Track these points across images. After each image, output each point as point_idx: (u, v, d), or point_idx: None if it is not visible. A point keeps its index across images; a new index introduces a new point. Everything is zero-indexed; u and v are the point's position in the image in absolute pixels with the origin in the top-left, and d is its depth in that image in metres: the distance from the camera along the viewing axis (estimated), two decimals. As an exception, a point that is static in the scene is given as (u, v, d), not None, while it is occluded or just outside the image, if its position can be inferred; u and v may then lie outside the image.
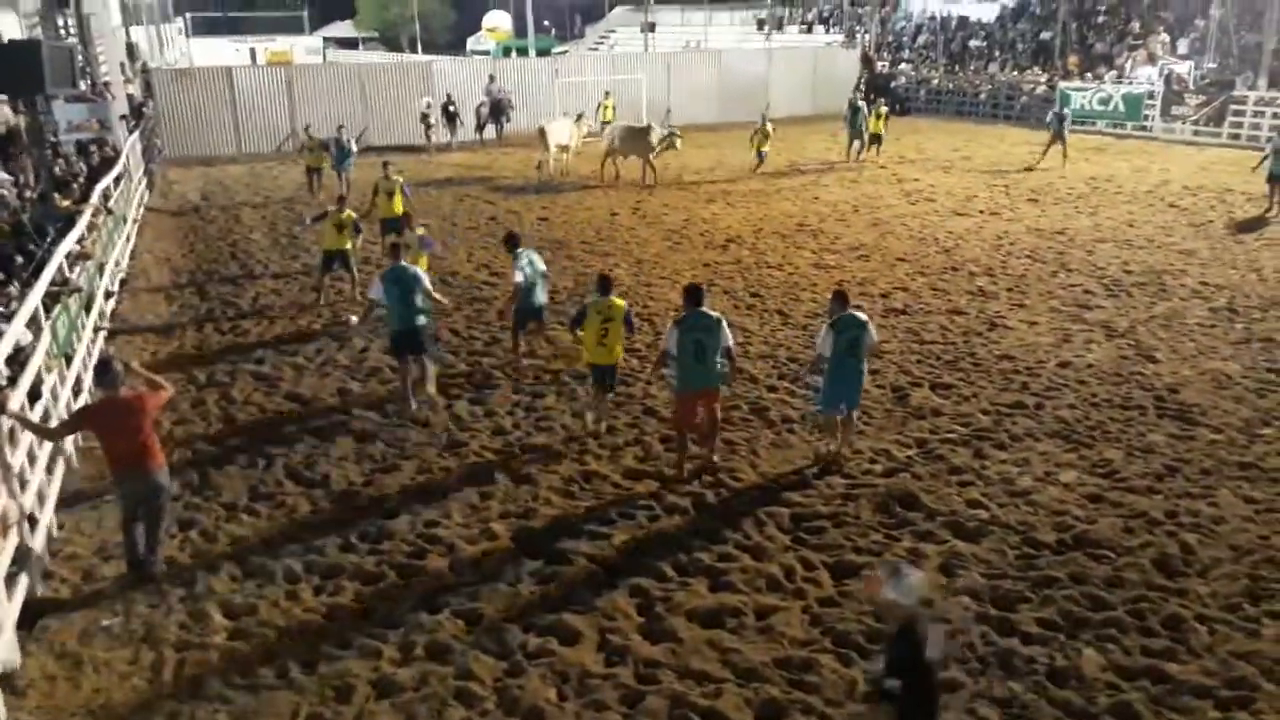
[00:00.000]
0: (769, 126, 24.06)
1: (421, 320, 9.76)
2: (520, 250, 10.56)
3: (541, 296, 10.68)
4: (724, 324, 8.14)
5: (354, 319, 12.01)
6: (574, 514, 7.77)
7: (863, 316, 8.34)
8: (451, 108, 28.37)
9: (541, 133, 23.31)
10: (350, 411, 9.84)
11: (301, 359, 11.35)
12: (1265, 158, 18.29)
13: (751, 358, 11.24)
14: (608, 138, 22.86)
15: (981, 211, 18.92)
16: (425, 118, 25.95)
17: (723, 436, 9.04)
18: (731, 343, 8.22)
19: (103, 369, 6.91)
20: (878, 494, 8.00)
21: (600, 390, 9.23)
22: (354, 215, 13.62)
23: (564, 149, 23.94)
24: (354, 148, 21.04)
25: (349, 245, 13.45)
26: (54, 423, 7.74)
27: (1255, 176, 19.12)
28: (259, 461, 8.78)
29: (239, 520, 7.75)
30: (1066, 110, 25.82)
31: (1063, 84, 32.23)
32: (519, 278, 10.33)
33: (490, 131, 29.46)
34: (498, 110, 29.17)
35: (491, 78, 30.33)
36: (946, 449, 8.80)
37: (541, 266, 10.71)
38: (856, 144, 24.62)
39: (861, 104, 25.44)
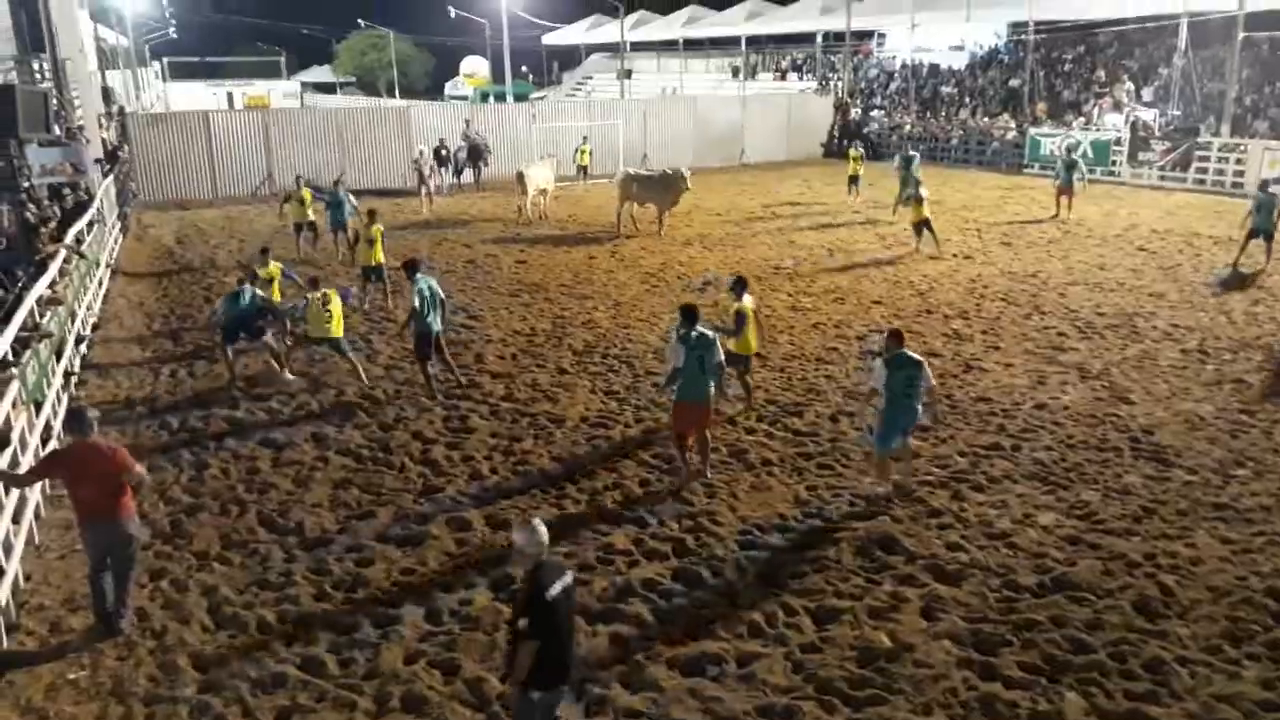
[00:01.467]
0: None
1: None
2: (419, 275, 11.20)
3: (438, 324, 11.21)
4: (718, 342, 8.87)
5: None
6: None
7: (918, 357, 8.50)
8: (444, 152, 28.53)
9: (520, 177, 23.48)
10: (325, 457, 9.73)
11: (275, 403, 11.24)
12: (1249, 213, 17.37)
13: (730, 399, 11.24)
14: (622, 186, 21.84)
15: (955, 255, 19.15)
16: (417, 165, 25.50)
17: (701, 480, 9.03)
18: (721, 358, 8.90)
19: (75, 416, 6.77)
20: (857, 537, 7.97)
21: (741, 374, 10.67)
22: (381, 229, 15.21)
23: (542, 193, 24.10)
24: (352, 200, 18.64)
25: (381, 259, 15.13)
26: (22, 470, 7.59)
27: (1223, 220, 19.51)
28: (231, 509, 8.64)
29: (210, 569, 7.60)
30: (1077, 158, 24.35)
31: (1032, 130, 32.88)
32: (416, 302, 10.96)
33: (468, 176, 29.59)
34: (475, 155, 29.34)
35: (468, 122, 30.57)
36: (925, 491, 8.81)
37: (440, 293, 11.34)
38: (906, 195, 21.58)
39: (914, 154, 24.94)
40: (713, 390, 8.91)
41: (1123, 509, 8.44)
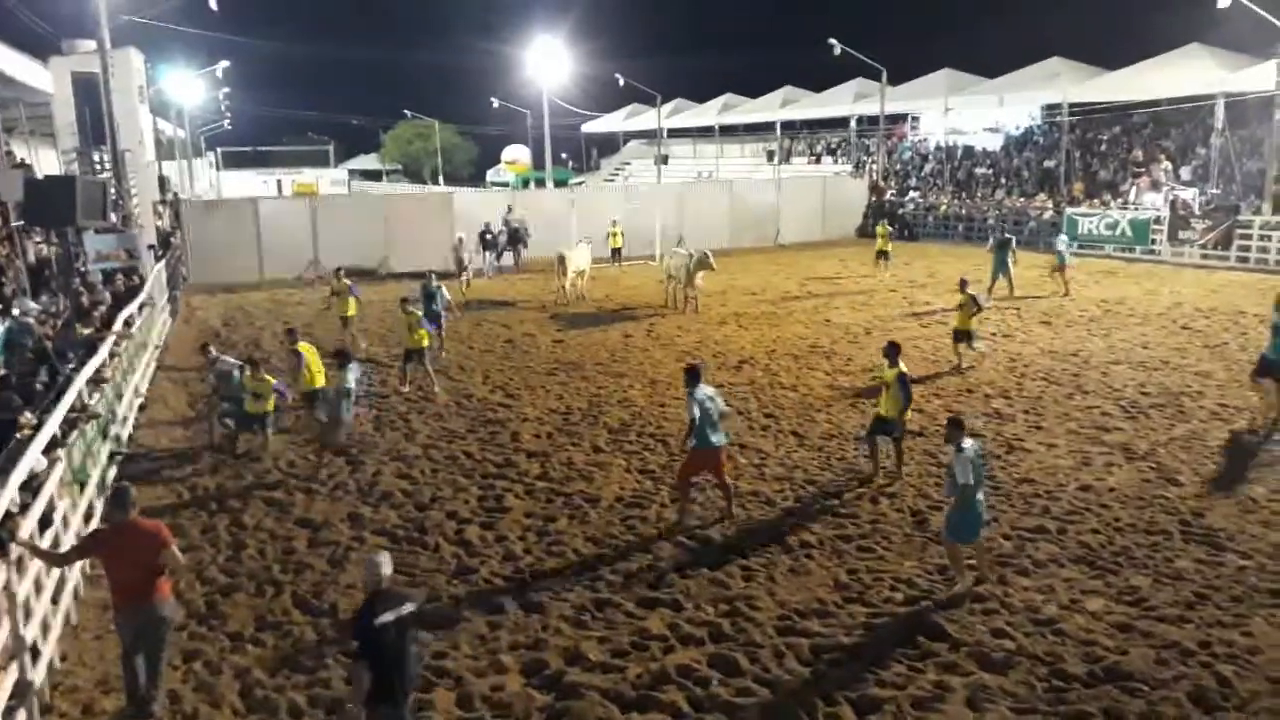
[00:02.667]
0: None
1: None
2: (351, 365, 12.04)
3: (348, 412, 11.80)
4: (720, 398, 9.85)
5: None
6: (586, 645, 7.55)
7: (977, 444, 8.54)
8: (489, 235, 29.15)
9: (560, 259, 23.89)
10: (361, 537, 9.74)
11: (313, 483, 11.32)
12: None
13: (768, 479, 11.14)
14: (667, 268, 22.98)
15: (994, 334, 19.01)
16: (456, 251, 25.95)
17: (739, 563, 8.91)
18: (725, 406, 9.95)
19: (118, 495, 6.81)
20: (900, 623, 7.76)
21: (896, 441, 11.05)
22: (419, 314, 15.54)
23: (580, 274, 24.47)
24: (445, 293, 17.69)
25: (425, 343, 15.30)
26: (63, 549, 7.67)
27: (1267, 298, 19.14)
28: (267, 589, 8.64)
29: (244, 651, 7.58)
30: (1063, 237, 25.32)
31: (1069, 210, 32.87)
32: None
33: (508, 258, 30.12)
34: (515, 238, 29.90)
35: (509, 208, 31.23)
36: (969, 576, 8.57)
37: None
38: (1001, 279, 22.49)
39: (1009, 237, 24.32)
40: (724, 438, 9.84)
41: (1174, 595, 8.15)
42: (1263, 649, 7.25)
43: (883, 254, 26.90)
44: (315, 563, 9.16)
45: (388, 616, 5.43)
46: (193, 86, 53.53)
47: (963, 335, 16.02)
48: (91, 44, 23.16)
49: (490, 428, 13.41)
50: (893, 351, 11.03)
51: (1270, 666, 7.01)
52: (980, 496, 8.36)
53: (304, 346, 13.28)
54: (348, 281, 18.32)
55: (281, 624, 8.01)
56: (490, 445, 12.62)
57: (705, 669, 7.19)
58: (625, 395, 14.98)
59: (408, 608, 5.59)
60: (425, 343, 15.37)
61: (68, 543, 8.02)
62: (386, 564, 5.70)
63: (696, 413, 9.43)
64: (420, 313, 15.68)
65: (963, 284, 16.31)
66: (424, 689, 6.99)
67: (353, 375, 12.03)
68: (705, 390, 9.70)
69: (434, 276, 17.73)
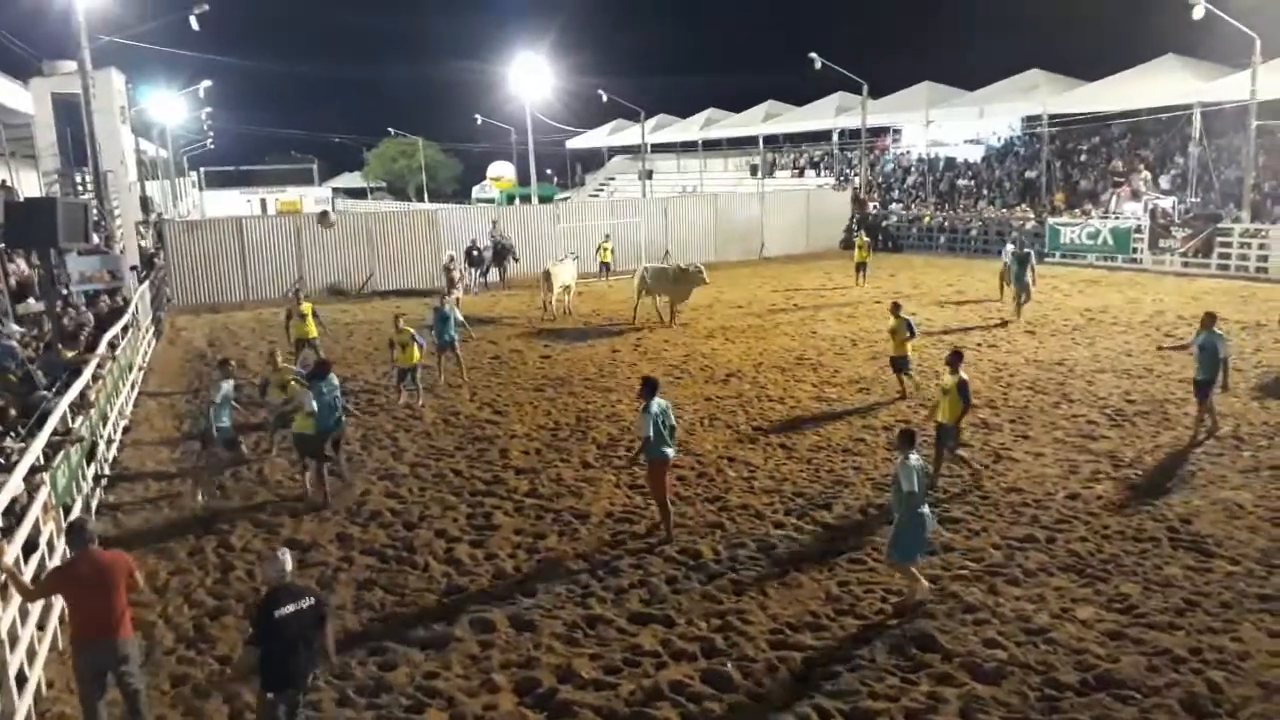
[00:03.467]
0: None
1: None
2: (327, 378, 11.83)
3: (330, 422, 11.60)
4: (670, 410, 10.00)
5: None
6: (578, 662, 7.52)
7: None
8: (475, 252, 29.17)
9: (546, 275, 23.96)
10: (350, 557, 9.68)
11: (301, 505, 11.24)
12: None
13: (757, 492, 11.14)
14: (639, 279, 22.89)
15: (979, 344, 19.10)
16: (448, 270, 25.94)
17: (730, 577, 8.90)
18: (674, 421, 10.02)
19: (75, 529, 6.53)
20: (892, 635, 7.76)
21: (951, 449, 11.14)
22: (412, 331, 15.30)
23: (566, 289, 24.52)
24: (458, 315, 17.40)
25: (416, 359, 15.27)
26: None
27: (1248, 305, 19.37)
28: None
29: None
30: (1029, 250, 23.51)
31: (1051, 220, 33.14)
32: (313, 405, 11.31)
33: (494, 275, 30.14)
34: (501, 254, 29.93)
35: (494, 223, 31.27)
36: (959, 586, 8.59)
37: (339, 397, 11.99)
38: (1023, 296, 21.73)
39: (1029, 250, 23.06)
40: (673, 451, 9.98)
41: (1164, 601, 8.18)
42: (1253, 654, 7.28)
43: (861, 266, 27.31)
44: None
45: (287, 609, 5.92)
46: (175, 106, 53.42)
47: (901, 363, 15.22)
48: (72, 65, 23.12)
49: (478, 445, 13.37)
50: (955, 359, 11.22)
51: (1261, 671, 7.04)
52: (926, 511, 8.22)
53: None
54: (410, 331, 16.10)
55: (270, 646, 7.92)
56: (478, 462, 12.58)
57: (698, 684, 7.16)
58: (613, 410, 14.97)
59: (307, 602, 6.06)
60: (416, 359, 15.30)
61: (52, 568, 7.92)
62: (288, 561, 6.19)
63: (650, 431, 9.56)
64: (412, 330, 15.48)
65: (895, 307, 15.27)
66: (416, 709, 6.94)
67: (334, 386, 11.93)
68: (660, 403, 9.84)
69: (444, 298, 17.50)
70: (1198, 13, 27.18)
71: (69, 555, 6.59)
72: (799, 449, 12.76)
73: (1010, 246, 24.16)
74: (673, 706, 6.87)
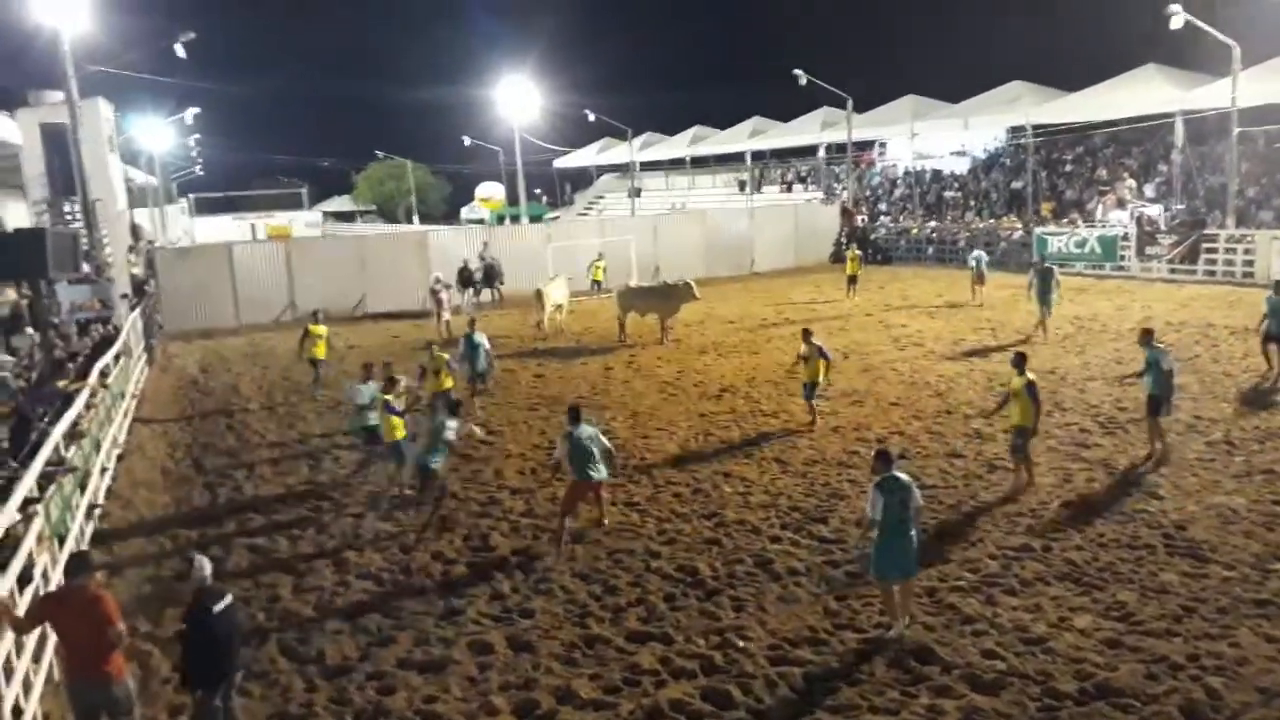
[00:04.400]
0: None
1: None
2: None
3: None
4: (600, 436, 10.54)
5: None
6: (577, 683, 7.50)
7: (905, 477, 8.05)
8: (467, 273, 29.20)
9: (539, 294, 24.02)
10: (346, 581, 9.64)
11: (297, 530, 11.21)
12: (1265, 317, 15.83)
13: (753, 507, 11.14)
14: (621, 298, 22.73)
15: (970, 354, 19.18)
16: (435, 293, 25.87)
17: (728, 593, 8.90)
18: (608, 445, 10.66)
19: (77, 559, 6.47)
20: (891, 648, 7.76)
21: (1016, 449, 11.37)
22: (446, 357, 15.09)
23: (559, 308, 24.57)
24: (486, 344, 16.43)
25: (448, 386, 14.41)
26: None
27: (1235, 310, 19.49)
28: (252, 638, 8.52)
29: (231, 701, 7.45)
30: (978, 252, 27.14)
31: (1039, 229, 33.35)
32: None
33: (486, 295, 30.16)
34: (491, 275, 29.94)
35: (485, 244, 31.31)
36: (957, 597, 8.61)
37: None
38: (1045, 312, 20.53)
39: (1052, 266, 21.47)
40: (605, 472, 10.46)
41: (1161, 608, 8.21)
42: (1250, 659, 7.30)
43: (852, 279, 27.37)
44: (301, 609, 9.06)
45: (218, 606, 6.38)
46: (163, 133, 53.46)
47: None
48: (59, 95, 23.14)
49: (473, 465, 13.35)
50: (1020, 361, 11.34)
51: (1258, 677, 7.06)
52: (913, 533, 7.96)
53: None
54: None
55: (268, 673, 7.90)
56: (473, 483, 12.57)
57: (698, 702, 7.15)
58: (607, 428, 14.94)
59: (227, 600, 6.51)
60: (448, 386, 14.51)
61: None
62: (206, 566, 6.59)
63: (563, 451, 10.30)
64: (446, 356, 15.07)
65: (806, 334, 14.59)
66: (415, 734, 6.91)
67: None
68: (585, 430, 10.33)
69: (474, 325, 16.80)
70: (1176, 22, 27.47)
71: (63, 585, 6.54)
72: (794, 463, 12.78)
73: (980, 253, 27.00)
74: (673, 725, 6.86)
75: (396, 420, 11.89)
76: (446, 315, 24.80)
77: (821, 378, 14.41)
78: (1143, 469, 11.85)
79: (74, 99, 22.37)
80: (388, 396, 12.10)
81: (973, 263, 26.32)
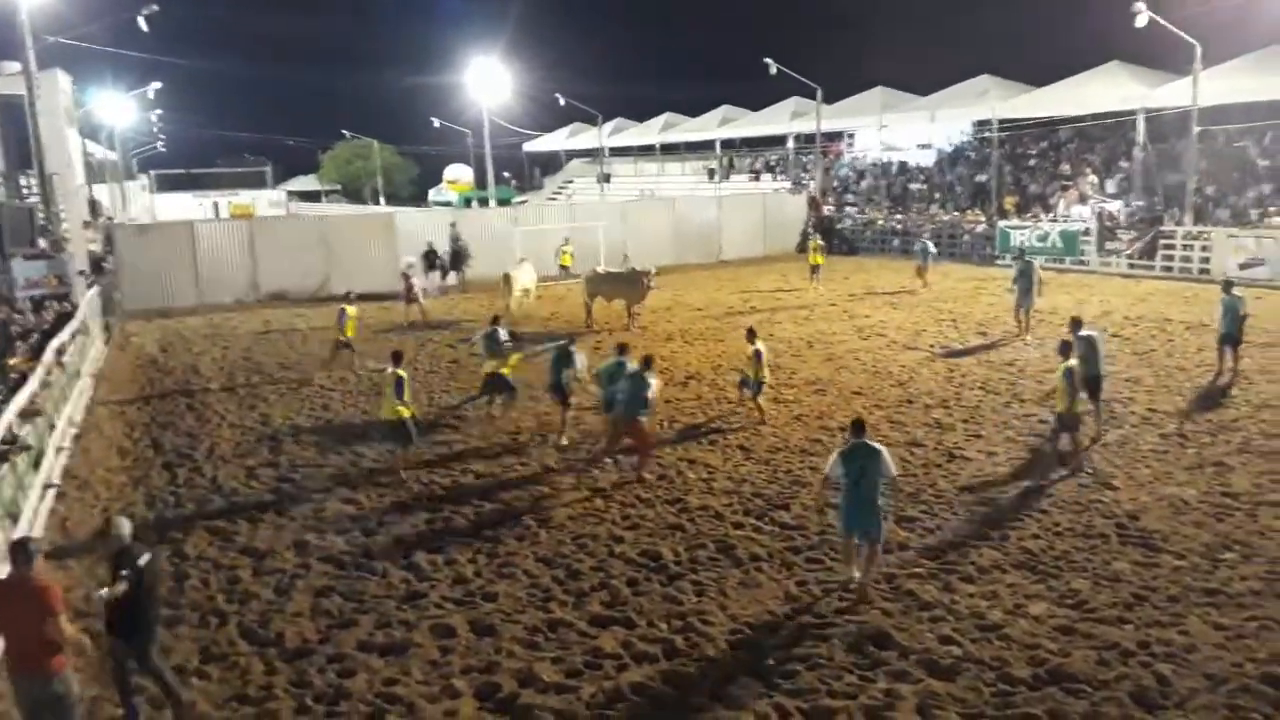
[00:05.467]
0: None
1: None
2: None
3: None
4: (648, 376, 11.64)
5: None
6: (539, 666, 7.52)
7: (876, 446, 8.50)
8: (434, 256, 28.95)
9: (506, 279, 23.93)
10: (308, 564, 9.58)
11: (256, 510, 11.10)
12: (1220, 318, 15.65)
13: (716, 493, 11.21)
14: (588, 283, 22.77)
15: (932, 345, 19.40)
16: (407, 278, 25.58)
17: (690, 578, 8.95)
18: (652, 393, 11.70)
19: (18, 549, 6.12)
20: (850, 633, 7.86)
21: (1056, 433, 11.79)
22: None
23: (526, 292, 24.48)
24: (503, 333, 15.02)
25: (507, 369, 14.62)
26: None
27: (1191, 306, 19.86)
28: (211, 620, 8.45)
29: (188, 684, 7.38)
30: (926, 241, 29.00)
31: (1002, 223, 33.73)
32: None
33: (452, 278, 29.96)
34: (458, 257, 29.76)
35: (453, 225, 31.05)
36: (915, 584, 8.73)
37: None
38: (1023, 312, 19.93)
39: (1031, 260, 20.23)
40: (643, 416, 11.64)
41: (1114, 596, 8.38)
42: (1199, 647, 7.48)
43: (815, 269, 27.61)
44: (261, 591, 8.99)
45: (142, 560, 6.62)
46: (123, 108, 52.47)
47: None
48: (15, 65, 22.60)
49: (436, 449, 13.29)
50: (1065, 349, 11.85)
51: (1206, 664, 7.24)
52: (876, 497, 8.38)
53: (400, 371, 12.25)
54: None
55: (227, 655, 7.83)
56: (438, 467, 12.51)
57: (660, 685, 7.20)
58: (574, 414, 14.94)
59: (145, 558, 6.70)
60: (508, 368, 14.48)
61: None
62: (125, 525, 6.82)
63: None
64: (506, 336, 14.82)
65: (750, 334, 14.60)
66: (375, 716, 6.90)
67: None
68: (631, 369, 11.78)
69: (498, 317, 15.81)
70: (1141, 21, 27.84)
71: (6, 575, 6.18)
72: (757, 450, 12.86)
73: (928, 244, 28.63)
74: (634, 708, 6.91)
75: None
76: (422, 300, 24.57)
77: (754, 376, 14.14)
78: (1090, 452, 12.11)
79: (31, 70, 21.83)
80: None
81: (919, 251, 27.87)
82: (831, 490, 8.99)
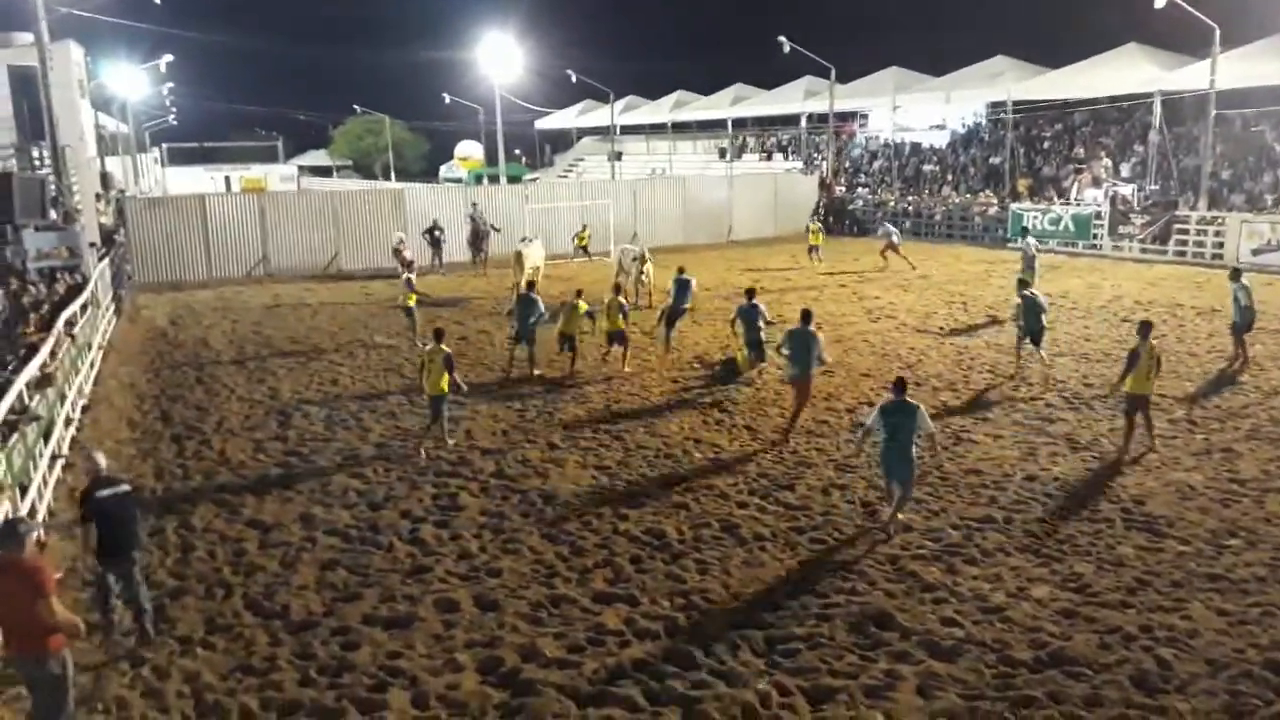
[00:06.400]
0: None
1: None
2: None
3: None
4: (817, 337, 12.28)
5: None
6: (542, 641, 7.56)
7: (914, 404, 9.37)
8: (437, 233, 28.86)
9: (518, 256, 23.90)
10: (313, 538, 9.64)
11: (264, 484, 11.17)
12: (1240, 306, 15.40)
13: (721, 472, 11.22)
14: (619, 262, 23.33)
15: (941, 328, 19.32)
16: (399, 252, 25.74)
17: (694, 556, 8.98)
18: (822, 351, 12.30)
19: (8, 528, 6.01)
20: (851, 614, 7.88)
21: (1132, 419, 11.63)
22: (587, 306, 16.09)
23: (536, 270, 24.44)
24: (541, 307, 15.81)
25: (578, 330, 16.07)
26: None
27: (1204, 291, 19.72)
28: (217, 592, 8.52)
29: (194, 655, 7.46)
30: (891, 226, 30.34)
31: (1014, 206, 33.50)
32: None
33: (477, 253, 29.77)
34: (479, 236, 29.34)
35: (475, 205, 30.59)
36: (918, 565, 8.74)
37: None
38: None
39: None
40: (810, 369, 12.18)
41: (1116, 580, 8.38)
42: (1201, 632, 7.47)
43: (813, 249, 28.80)
44: (267, 564, 9.05)
45: (105, 493, 7.35)
46: (136, 81, 52.36)
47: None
48: (29, 37, 22.54)
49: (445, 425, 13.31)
50: (1145, 329, 11.69)
51: (1208, 649, 7.24)
52: (912, 452, 9.33)
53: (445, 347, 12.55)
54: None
55: (232, 626, 7.90)
56: (443, 443, 12.55)
57: (661, 663, 7.24)
58: (580, 391, 14.98)
59: (122, 488, 7.51)
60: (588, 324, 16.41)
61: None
62: (101, 457, 7.72)
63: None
64: (587, 305, 16.07)
65: (749, 294, 15.45)
66: (378, 689, 6.96)
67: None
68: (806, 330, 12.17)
69: (531, 287, 16.40)
70: (1159, 2, 27.52)
71: None
72: (763, 431, 12.86)
73: (890, 227, 29.90)
74: (635, 684, 6.95)
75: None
76: (411, 274, 24.56)
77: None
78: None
79: (44, 41, 21.79)
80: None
81: (883, 234, 29.35)
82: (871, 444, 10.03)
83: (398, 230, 28.02)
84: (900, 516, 9.57)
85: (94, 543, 7.36)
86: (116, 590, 7.57)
